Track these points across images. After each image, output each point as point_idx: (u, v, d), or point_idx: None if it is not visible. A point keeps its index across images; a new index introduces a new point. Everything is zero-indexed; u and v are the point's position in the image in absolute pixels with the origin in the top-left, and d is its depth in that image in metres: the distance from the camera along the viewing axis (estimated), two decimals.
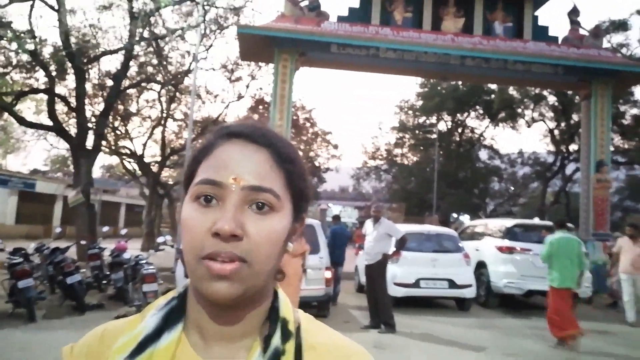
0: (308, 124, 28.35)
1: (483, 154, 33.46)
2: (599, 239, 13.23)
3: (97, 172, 29.07)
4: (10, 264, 7.54)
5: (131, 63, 16.59)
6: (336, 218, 11.66)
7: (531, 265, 9.62)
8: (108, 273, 9.52)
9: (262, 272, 0.63)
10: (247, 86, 21.66)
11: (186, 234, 0.63)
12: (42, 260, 9.43)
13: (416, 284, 9.17)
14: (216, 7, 16.98)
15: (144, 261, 8.11)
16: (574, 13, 15.76)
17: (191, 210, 0.63)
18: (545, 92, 25.15)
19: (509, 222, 10.62)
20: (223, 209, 0.62)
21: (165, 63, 18.76)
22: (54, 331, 6.52)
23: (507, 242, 9.95)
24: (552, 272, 7.21)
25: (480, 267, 10.26)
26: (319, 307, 8.31)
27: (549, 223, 11.27)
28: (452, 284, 9.25)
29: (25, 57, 14.87)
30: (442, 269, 9.28)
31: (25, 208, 25.09)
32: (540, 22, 15.77)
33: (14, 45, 14.22)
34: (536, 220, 13.02)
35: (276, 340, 0.65)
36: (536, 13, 15.80)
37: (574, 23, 15.68)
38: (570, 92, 21.60)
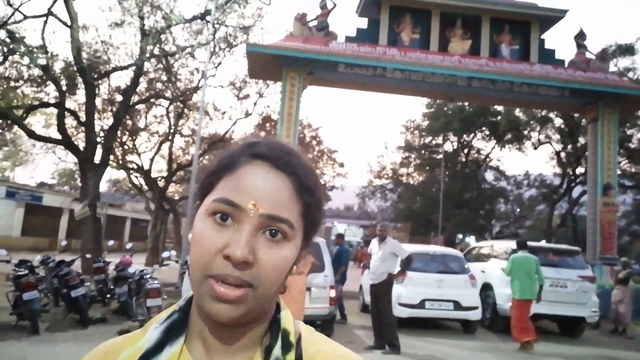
0: (314, 142, 28.47)
1: (489, 175, 33.39)
2: (606, 263, 13.11)
3: (103, 186, 29.21)
4: (15, 276, 7.55)
5: (141, 79, 16.80)
6: (340, 237, 11.27)
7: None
8: (112, 287, 9.50)
9: (266, 297, 0.64)
10: (255, 104, 21.88)
11: (197, 249, 0.62)
12: (47, 273, 9.44)
13: (421, 305, 9.08)
14: (226, 26, 17.26)
15: (148, 276, 8.10)
16: (580, 37, 15.87)
17: (205, 226, 0.63)
18: (551, 115, 25.18)
19: (515, 244, 10.52)
20: (238, 231, 0.62)
21: (174, 80, 18.98)
22: (57, 344, 6.50)
23: None
24: (514, 286, 8.34)
25: (486, 289, 10.16)
26: (323, 326, 8.24)
27: (556, 246, 11.21)
28: (458, 306, 9.16)
29: (36, 72, 15.11)
30: (447, 290, 9.20)
31: (32, 220, 25.19)
32: (547, 46, 15.89)
33: (26, 60, 14.45)
34: (543, 243, 12.91)
35: (277, 351, 0.65)
36: (543, 36, 15.93)
37: (581, 47, 15.78)
38: (576, 115, 21.62)
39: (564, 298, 9.48)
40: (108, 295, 9.67)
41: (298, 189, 0.66)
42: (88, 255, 11.67)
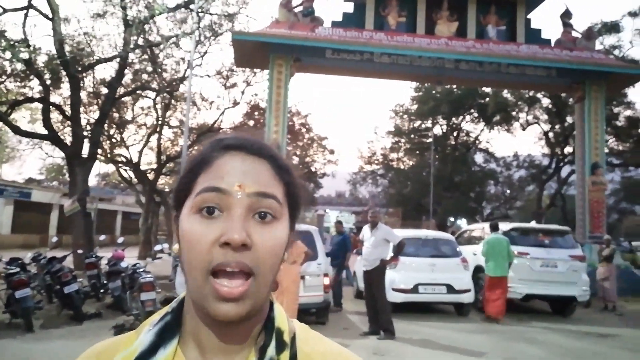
0: (304, 130, 28.38)
1: (479, 158, 33.57)
2: (595, 242, 13.27)
3: (93, 180, 28.97)
4: (7, 274, 7.50)
5: (126, 71, 16.59)
6: (340, 224, 11.47)
7: (528, 269, 9.64)
8: (105, 282, 9.47)
9: (266, 285, 0.64)
10: (243, 92, 21.71)
11: (190, 247, 0.61)
12: (39, 270, 9.38)
13: (415, 290, 9.16)
14: (210, 14, 17.04)
15: (141, 269, 8.07)
16: (566, 15, 15.88)
17: (194, 223, 0.62)
18: (539, 95, 25.29)
19: (505, 226, 10.62)
20: (229, 218, 0.61)
21: (160, 70, 18.76)
22: (52, 341, 6.48)
23: None
24: (488, 264, 9.18)
25: (479, 271, 10.25)
26: (317, 313, 8.30)
27: (546, 226, 11.32)
28: (451, 289, 9.26)
29: (19, 66, 14.83)
30: (440, 274, 9.28)
31: (21, 217, 24.98)
32: (533, 25, 15.90)
33: (8, 54, 14.18)
34: (533, 224, 13.05)
35: (271, 350, 0.65)
36: (529, 16, 15.92)
37: (567, 25, 15.80)
38: (564, 95, 21.72)
39: (555, 278, 9.61)
40: (102, 290, 9.64)
41: (277, 169, 0.67)
42: (80, 251, 11.60)
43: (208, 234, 0.61)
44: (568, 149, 26.22)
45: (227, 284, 0.60)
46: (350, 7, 15.25)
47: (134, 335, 0.69)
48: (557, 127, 26.94)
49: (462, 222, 33.01)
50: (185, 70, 18.43)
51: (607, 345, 7.44)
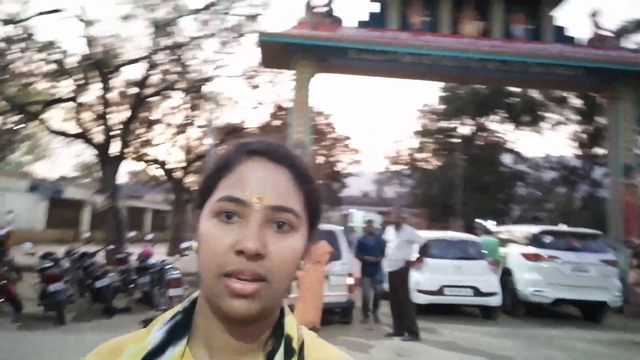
0: (328, 129, 28.40)
1: (507, 158, 33.01)
2: (628, 246, 12.91)
3: (123, 178, 29.57)
4: (41, 268, 7.74)
5: (153, 71, 16.89)
6: (371, 223, 9.54)
7: (559, 273, 9.43)
8: (135, 277, 9.69)
9: (279, 291, 0.65)
10: (268, 92, 21.87)
11: (206, 250, 0.63)
12: (71, 265, 9.65)
13: (440, 291, 9.08)
14: (234, 15, 17.20)
15: (169, 266, 8.23)
16: (595, 14, 15.50)
17: (211, 227, 0.64)
18: (569, 95, 24.73)
19: (534, 229, 10.43)
20: (246, 226, 0.63)
21: (186, 71, 19.03)
22: (83, 333, 6.66)
23: (533, 249, 9.77)
24: None
25: (506, 274, 10.10)
26: (342, 313, 8.31)
27: (577, 230, 11.08)
28: (477, 292, 9.14)
29: (51, 67, 15.27)
30: (466, 276, 9.18)
31: (55, 213, 25.67)
32: (560, 23, 15.53)
33: (41, 56, 14.63)
34: (563, 227, 12.78)
35: (279, 356, 0.66)
36: (555, 14, 15.56)
37: (596, 24, 15.41)
38: (594, 94, 21.19)
39: (586, 282, 9.38)
40: (131, 285, 9.85)
41: (297, 178, 0.68)
42: (111, 247, 11.88)
43: (224, 239, 0.62)
44: (600, 150, 25.58)
45: (240, 280, 0.61)
46: (374, 7, 15.19)
47: (145, 332, 0.70)
48: (588, 127, 26.30)
49: (490, 224, 32.49)
50: (211, 71, 18.65)
51: (638, 354, 7.24)
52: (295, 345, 0.68)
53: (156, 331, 0.69)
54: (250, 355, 0.68)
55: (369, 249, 8.59)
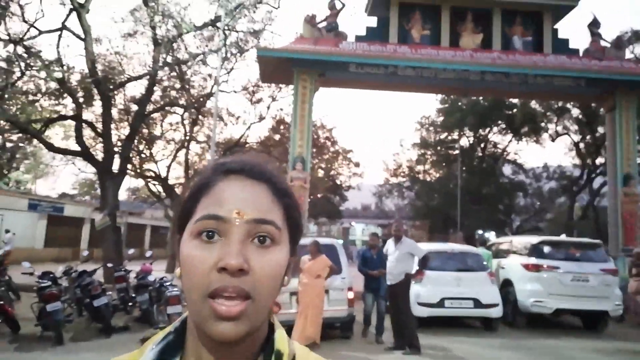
0: (329, 143, 28.48)
1: (507, 169, 33.03)
2: (628, 255, 12.87)
3: (123, 194, 29.59)
4: (39, 288, 7.72)
5: (155, 88, 17.00)
6: (376, 236, 9.10)
7: (559, 283, 9.38)
8: (134, 295, 9.64)
9: (265, 308, 0.65)
10: (268, 107, 22.00)
11: (189, 271, 0.63)
12: (70, 283, 9.61)
13: (440, 304, 9.03)
14: (236, 31, 17.37)
15: (168, 283, 8.22)
16: (594, 25, 15.61)
17: (193, 248, 0.63)
18: (568, 105, 24.82)
19: (534, 239, 10.40)
20: (227, 244, 0.62)
21: (187, 87, 19.16)
22: (82, 354, 6.62)
23: (533, 260, 9.74)
24: None
25: (507, 285, 10.06)
26: (342, 327, 8.26)
27: (577, 239, 11.05)
28: (478, 304, 9.08)
29: (53, 85, 15.38)
30: (467, 288, 9.13)
31: (54, 231, 25.63)
32: (560, 35, 15.67)
33: (43, 74, 14.73)
34: (563, 237, 12.75)
35: None
36: (555, 26, 15.72)
37: (595, 35, 15.53)
38: (594, 105, 21.27)
39: (586, 292, 9.33)
40: (130, 304, 9.81)
41: (276, 193, 0.68)
42: (109, 264, 11.84)
43: (206, 258, 0.62)
44: (600, 160, 25.59)
45: (225, 303, 0.61)
46: (374, 22, 15.34)
47: (139, 352, 0.70)
48: (587, 137, 26.36)
49: (491, 235, 32.41)
50: (212, 87, 18.78)
51: None
52: None
53: (149, 351, 0.68)
54: None
55: (372, 262, 8.29)
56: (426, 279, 8.93)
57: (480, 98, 26.66)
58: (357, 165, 30.47)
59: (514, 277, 9.99)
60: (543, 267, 9.53)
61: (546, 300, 9.30)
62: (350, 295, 8.15)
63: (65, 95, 15.79)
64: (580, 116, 25.44)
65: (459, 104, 29.00)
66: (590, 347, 8.12)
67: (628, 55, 17.56)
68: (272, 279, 0.64)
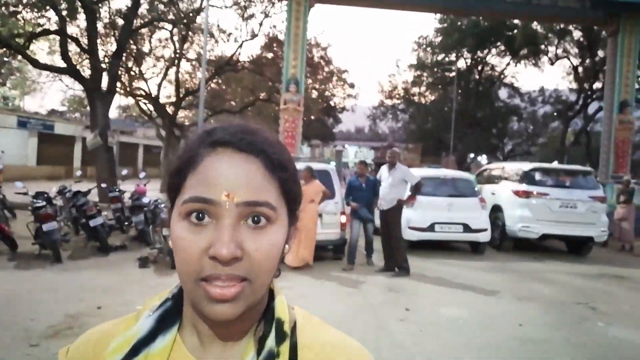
0: (323, 63, 27.75)
1: (503, 93, 32.67)
2: (617, 182, 13.08)
3: (113, 112, 29.18)
4: (34, 207, 7.75)
5: (142, 1, 16.18)
6: (364, 164, 8.41)
7: (547, 210, 9.61)
8: (129, 215, 9.76)
9: (263, 287, 0.62)
10: (261, 24, 21.24)
11: (180, 255, 0.59)
12: (64, 203, 9.68)
13: (431, 228, 9.25)
14: None
15: (162, 205, 8.29)
16: None
17: (182, 230, 0.59)
18: (570, 27, 24.09)
19: (526, 166, 10.49)
20: (218, 227, 0.58)
21: (176, 1, 18.26)
22: (80, 272, 6.79)
23: (524, 187, 9.89)
24: None
25: (496, 210, 10.28)
26: (334, 250, 8.50)
27: (568, 167, 11.15)
28: (467, 228, 9.31)
29: None
30: (457, 213, 9.32)
31: (46, 149, 25.49)
32: None
33: None
34: (555, 164, 12.85)
35: (270, 341, 0.64)
36: None
37: None
38: (596, 28, 20.64)
39: (574, 218, 9.58)
40: (126, 224, 9.95)
41: (269, 166, 0.62)
42: (103, 185, 11.87)
43: (197, 242, 0.58)
44: (597, 85, 25.29)
45: (220, 284, 0.58)
46: None
47: (133, 319, 0.68)
48: (587, 61, 25.86)
49: (483, 159, 32.70)
50: (202, 0, 17.91)
51: (621, 287, 7.50)
52: (287, 328, 0.66)
53: (145, 318, 0.67)
54: (241, 341, 0.66)
55: (360, 191, 7.91)
56: (417, 203, 9.08)
57: (481, 18, 25.73)
58: (351, 86, 29.91)
59: (503, 203, 10.19)
60: (533, 194, 9.70)
61: (533, 225, 9.56)
62: (343, 219, 8.30)
63: (48, 7, 15.01)
64: (581, 39, 24.78)
65: (458, 24, 28.03)
66: (573, 271, 8.46)
67: None
68: (268, 260, 0.60)
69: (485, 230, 9.42)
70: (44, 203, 8.05)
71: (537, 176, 10.04)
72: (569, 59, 26.86)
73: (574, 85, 27.73)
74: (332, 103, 29.38)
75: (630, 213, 10.98)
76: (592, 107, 27.10)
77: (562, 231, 9.62)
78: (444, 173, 10.70)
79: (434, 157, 29.30)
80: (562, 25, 23.63)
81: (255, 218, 0.60)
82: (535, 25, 24.98)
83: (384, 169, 7.87)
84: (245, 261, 0.58)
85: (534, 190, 9.69)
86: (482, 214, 9.57)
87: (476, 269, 8.29)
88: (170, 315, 0.67)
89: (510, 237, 9.99)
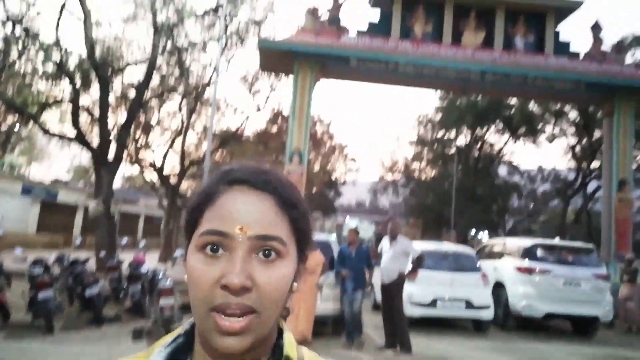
0: (326, 137, 28.42)
1: (502, 170, 33.10)
2: (620, 260, 12.93)
3: (117, 182, 29.46)
4: (31, 275, 7.67)
5: (153, 74, 16.88)
6: (355, 233, 8.12)
7: (551, 287, 9.43)
8: (126, 285, 9.60)
9: (271, 320, 0.64)
10: (267, 98, 21.97)
11: (194, 285, 0.63)
12: (62, 271, 9.58)
13: (433, 304, 9.05)
14: (238, 20, 17.24)
15: (161, 274, 8.18)
16: (596, 28, 15.56)
17: (197, 261, 0.63)
18: (566, 108, 24.83)
19: (528, 242, 10.43)
20: (231, 259, 0.62)
21: (186, 75, 19.04)
22: (71, 344, 6.59)
23: (526, 263, 9.77)
24: None
25: (499, 287, 10.08)
26: (333, 325, 8.27)
27: (570, 243, 11.08)
28: (470, 305, 9.11)
29: (51, 68, 15.23)
30: (459, 289, 9.15)
31: (47, 217, 25.48)
32: (562, 38, 15.62)
33: (41, 56, 14.59)
34: (556, 240, 12.78)
35: None
36: (557, 28, 15.66)
37: (597, 38, 15.48)
38: (592, 108, 21.29)
39: (578, 297, 9.38)
40: (122, 294, 9.77)
41: (282, 205, 0.66)
42: (102, 253, 11.79)
43: (210, 273, 0.61)
44: (595, 164, 25.65)
45: (229, 318, 0.60)
46: (377, 15, 15.22)
47: (144, 356, 0.69)
48: (584, 141, 26.40)
49: (484, 235, 32.54)
50: (211, 75, 18.67)
51: None
52: None
53: (157, 354, 0.68)
54: None
55: (349, 259, 7.53)
56: (419, 278, 8.92)
57: (479, 97, 26.64)
58: (353, 160, 30.45)
59: (506, 279, 10.02)
60: (535, 270, 9.56)
61: (537, 303, 9.34)
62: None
63: (62, 78, 15.64)
64: (577, 119, 25.46)
65: (458, 102, 28.98)
66: (579, 353, 8.16)
67: (629, 60, 17.55)
68: (277, 293, 0.63)
69: (488, 307, 9.20)
70: (41, 270, 7.98)
71: (539, 252, 9.94)
72: (566, 138, 27.46)
73: (573, 164, 28.14)
74: (333, 177, 29.75)
75: (636, 292, 10.76)
76: (591, 186, 27.32)
77: (567, 310, 9.38)
78: (446, 247, 10.62)
79: (435, 233, 29.19)
80: (558, 105, 24.37)
81: (267, 252, 0.63)
82: (532, 105, 25.78)
83: (385, 240, 7.82)
84: (254, 292, 0.61)
85: (536, 266, 9.57)
86: (485, 290, 9.39)
87: (480, 348, 8.01)
88: (181, 351, 0.69)
89: (514, 316, 9.72)
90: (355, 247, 7.73)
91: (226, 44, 17.48)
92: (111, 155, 15.34)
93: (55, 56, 14.04)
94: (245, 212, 0.63)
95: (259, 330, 0.62)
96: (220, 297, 0.60)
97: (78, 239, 12.83)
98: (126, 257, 10.56)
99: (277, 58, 14.32)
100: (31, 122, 15.97)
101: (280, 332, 0.70)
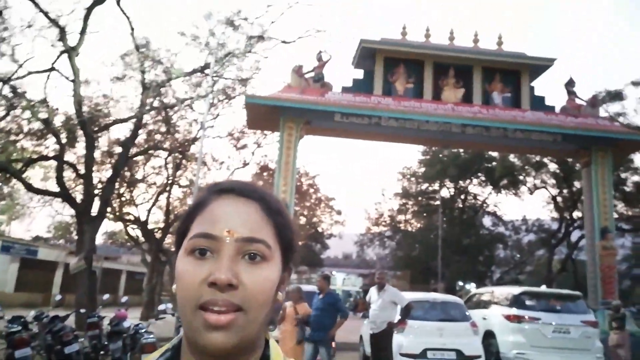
0: (312, 190, 28.58)
1: (487, 221, 33.39)
2: (607, 308, 12.91)
3: (99, 238, 28.96)
4: (8, 333, 7.39)
5: (140, 131, 17.03)
6: (326, 279, 7.81)
7: (540, 335, 9.34)
8: (106, 342, 9.25)
9: (256, 320, 0.66)
10: (253, 153, 22.20)
11: (182, 285, 0.66)
12: (40, 329, 9.20)
13: (423, 355, 8.85)
14: (225, 79, 17.68)
15: (143, 330, 7.96)
16: (570, 84, 16.29)
17: (186, 264, 0.66)
18: (546, 160, 25.47)
19: (516, 290, 10.42)
20: (218, 260, 0.65)
21: (173, 131, 19.24)
22: None
23: (514, 311, 9.72)
24: None
25: (489, 336, 9.96)
26: None
27: (557, 291, 11.08)
28: (460, 355, 8.93)
29: (37, 125, 15.31)
30: (449, 339, 9.00)
31: (26, 275, 24.78)
32: (537, 93, 16.28)
33: (27, 114, 14.69)
34: (543, 288, 12.78)
35: None
36: (532, 84, 16.35)
37: (571, 93, 16.17)
38: (570, 160, 21.88)
39: (568, 344, 9.29)
40: (102, 352, 9.40)
41: (267, 211, 0.71)
42: (82, 310, 11.44)
43: (198, 273, 0.65)
44: (577, 214, 26.05)
45: (216, 309, 0.63)
46: (360, 74, 15.78)
47: None
48: (564, 191, 26.93)
49: (471, 287, 32.33)
50: (198, 132, 18.90)
51: None
52: None
53: None
54: None
55: (316, 309, 7.16)
56: (408, 328, 8.79)
57: (461, 150, 27.25)
58: (339, 213, 30.52)
59: (495, 328, 9.91)
60: (524, 319, 9.49)
61: (529, 352, 9.21)
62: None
63: (48, 135, 15.70)
64: (557, 170, 26.07)
65: (440, 155, 29.57)
66: None
67: (602, 113, 18.25)
68: (262, 292, 0.66)
69: (479, 357, 9.03)
70: (19, 328, 7.70)
71: (528, 300, 9.92)
72: (547, 189, 27.98)
73: (555, 214, 28.54)
74: (319, 229, 29.68)
75: (625, 340, 10.68)
76: (575, 235, 27.61)
77: (557, 358, 9.26)
78: (434, 297, 10.54)
79: (423, 284, 28.94)
80: (538, 158, 24.99)
81: (252, 254, 0.67)
82: (512, 157, 26.40)
83: (372, 290, 7.77)
84: (240, 290, 0.64)
85: (525, 314, 9.51)
86: (476, 339, 9.26)
87: None
88: None
89: None
90: (323, 295, 7.33)
91: (213, 102, 17.83)
92: (95, 210, 15.20)
93: (42, 114, 14.17)
94: (232, 216, 0.68)
95: (244, 329, 0.64)
96: (207, 294, 0.63)
97: (57, 296, 12.38)
98: (107, 314, 10.23)
99: (263, 114, 14.63)
100: (15, 178, 15.86)
101: (266, 345, 0.72)
